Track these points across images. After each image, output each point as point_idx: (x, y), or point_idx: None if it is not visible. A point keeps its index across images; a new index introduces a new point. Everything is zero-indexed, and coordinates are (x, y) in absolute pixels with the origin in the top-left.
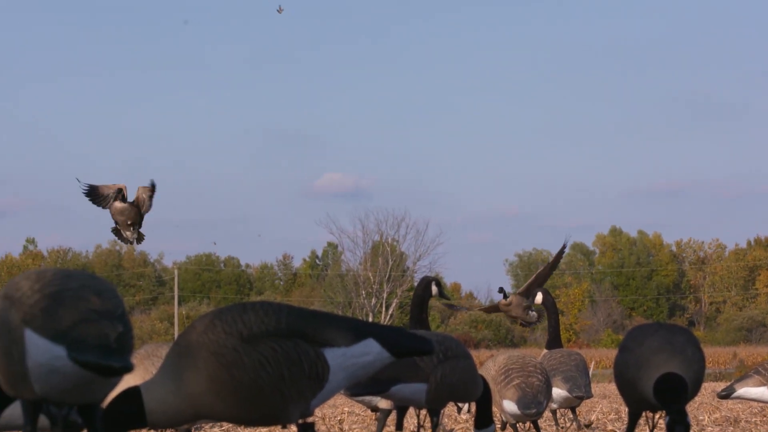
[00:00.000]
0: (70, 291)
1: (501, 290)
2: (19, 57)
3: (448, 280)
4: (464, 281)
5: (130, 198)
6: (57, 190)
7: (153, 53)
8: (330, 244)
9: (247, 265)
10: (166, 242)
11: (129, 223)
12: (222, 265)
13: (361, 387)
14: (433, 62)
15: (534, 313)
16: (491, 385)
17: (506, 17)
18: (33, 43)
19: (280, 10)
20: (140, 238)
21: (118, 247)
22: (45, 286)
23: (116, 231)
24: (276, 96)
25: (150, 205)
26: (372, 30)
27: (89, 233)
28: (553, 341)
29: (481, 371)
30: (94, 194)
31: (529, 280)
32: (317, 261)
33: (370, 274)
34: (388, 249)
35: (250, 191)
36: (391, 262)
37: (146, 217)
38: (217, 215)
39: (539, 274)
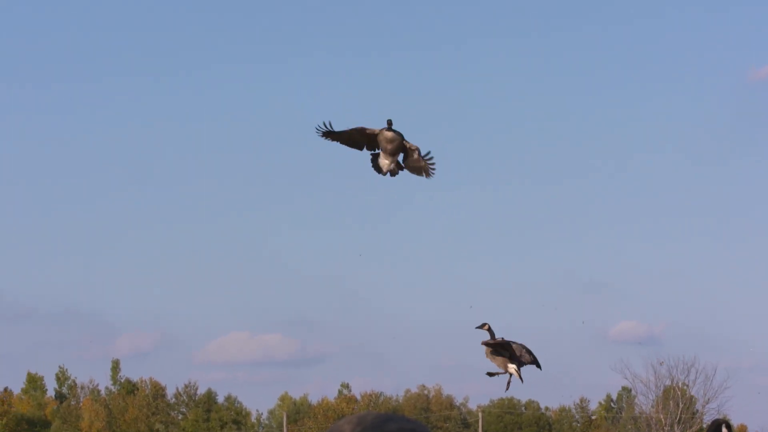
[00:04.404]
0: None
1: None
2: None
3: (735, 422)
4: (750, 423)
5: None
6: (368, 337)
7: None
8: (624, 389)
9: (547, 408)
10: (471, 387)
11: (392, 153)
12: (523, 408)
13: None
14: (720, 211)
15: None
16: None
17: None
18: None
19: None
20: (395, 172)
21: (426, 392)
22: (366, 429)
23: (375, 159)
24: (579, 246)
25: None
26: (656, 186)
27: (398, 378)
28: None
29: None
30: (335, 135)
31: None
32: (612, 404)
33: (662, 417)
34: (679, 393)
35: (552, 337)
36: (681, 405)
37: (454, 361)
38: None
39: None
